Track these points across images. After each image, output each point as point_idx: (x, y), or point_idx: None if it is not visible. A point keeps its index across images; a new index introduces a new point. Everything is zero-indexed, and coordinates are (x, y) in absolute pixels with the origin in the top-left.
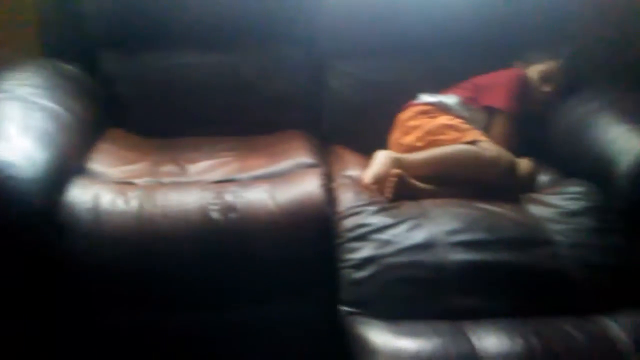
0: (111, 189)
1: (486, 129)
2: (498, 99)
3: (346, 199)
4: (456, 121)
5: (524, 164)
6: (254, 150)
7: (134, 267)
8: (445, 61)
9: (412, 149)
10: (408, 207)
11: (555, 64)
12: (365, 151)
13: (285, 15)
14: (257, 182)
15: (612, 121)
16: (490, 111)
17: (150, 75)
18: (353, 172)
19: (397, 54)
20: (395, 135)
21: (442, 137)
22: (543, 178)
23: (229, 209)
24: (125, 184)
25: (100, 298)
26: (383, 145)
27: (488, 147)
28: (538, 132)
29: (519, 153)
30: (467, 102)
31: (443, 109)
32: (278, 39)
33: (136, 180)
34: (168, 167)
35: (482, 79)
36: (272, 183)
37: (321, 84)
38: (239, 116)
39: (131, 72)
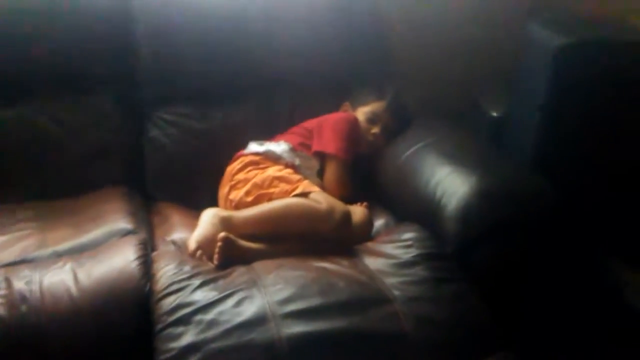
0: None
1: (320, 175)
2: (328, 144)
3: (166, 272)
4: (286, 172)
5: (358, 212)
6: (60, 218)
7: None
8: (275, 105)
9: (241, 204)
10: (238, 274)
11: (381, 105)
12: (195, 207)
13: (95, 59)
14: (60, 260)
15: (436, 163)
16: (322, 156)
17: None
18: (179, 235)
19: (224, 98)
20: (224, 190)
21: (271, 190)
22: (378, 223)
23: (19, 300)
24: None
25: None
26: (214, 198)
27: (320, 198)
28: (370, 175)
29: (354, 198)
30: (298, 149)
31: (272, 158)
32: (88, 86)
33: None
34: None
35: (312, 123)
36: (77, 260)
37: (141, 135)
38: (44, 177)
39: None
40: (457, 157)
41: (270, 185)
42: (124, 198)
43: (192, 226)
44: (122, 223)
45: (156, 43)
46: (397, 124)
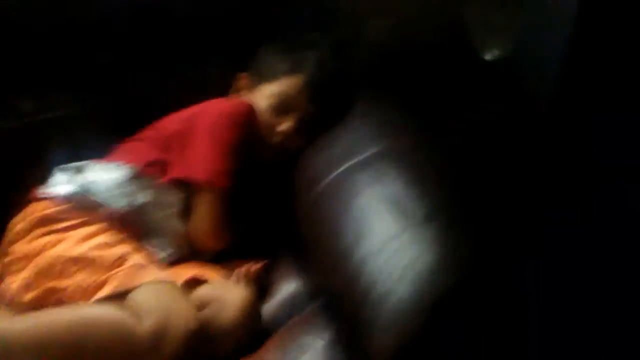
0: None
1: (186, 212)
2: (197, 166)
3: None
4: (95, 242)
5: (233, 300)
6: None
7: None
8: (128, 87)
9: (21, 305)
10: None
11: (296, 80)
12: None
13: None
14: None
15: (370, 211)
16: (188, 185)
17: None
18: None
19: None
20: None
21: (64, 282)
22: (284, 292)
23: None
24: None
25: None
26: None
27: (143, 305)
28: (277, 199)
29: (245, 247)
30: (148, 172)
31: (85, 206)
32: None
33: None
34: None
35: (175, 123)
36: None
37: None
38: None
39: None
40: (407, 201)
41: (63, 273)
42: None
43: None
44: None
45: None
46: (324, 111)
